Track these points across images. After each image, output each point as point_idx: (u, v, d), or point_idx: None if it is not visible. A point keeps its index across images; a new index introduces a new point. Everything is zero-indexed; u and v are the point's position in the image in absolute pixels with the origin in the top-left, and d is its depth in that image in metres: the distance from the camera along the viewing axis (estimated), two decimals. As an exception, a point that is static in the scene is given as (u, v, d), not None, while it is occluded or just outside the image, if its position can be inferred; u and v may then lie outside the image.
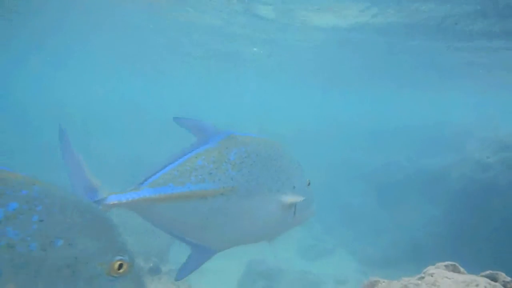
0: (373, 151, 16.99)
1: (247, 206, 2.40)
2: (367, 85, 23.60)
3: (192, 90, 37.29)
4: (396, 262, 10.56)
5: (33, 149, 16.11)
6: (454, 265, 2.50)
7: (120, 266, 1.58)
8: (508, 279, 2.32)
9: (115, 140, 17.85)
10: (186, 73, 24.43)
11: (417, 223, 11.52)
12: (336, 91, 29.35)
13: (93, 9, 12.01)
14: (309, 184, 2.76)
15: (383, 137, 19.27)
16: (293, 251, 11.27)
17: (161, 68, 23.65)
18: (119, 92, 39.49)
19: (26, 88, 36.90)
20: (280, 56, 16.42)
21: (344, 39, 12.12)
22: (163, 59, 20.47)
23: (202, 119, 2.50)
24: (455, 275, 2.33)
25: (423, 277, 2.34)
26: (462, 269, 2.52)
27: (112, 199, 2.08)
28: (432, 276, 2.29)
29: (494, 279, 2.37)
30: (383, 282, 2.62)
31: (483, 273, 2.45)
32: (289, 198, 2.56)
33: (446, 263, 2.49)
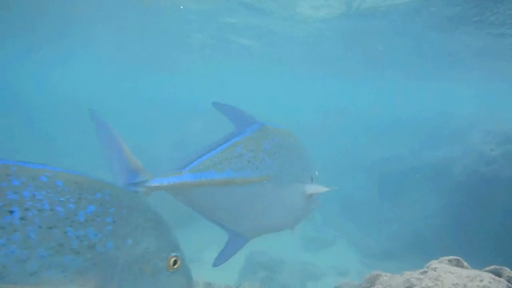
0: (376, 143, 16.93)
1: (280, 194, 2.50)
2: (370, 76, 23.43)
3: (188, 81, 37.27)
4: (398, 254, 10.56)
5: (41, 142, 16.24)
6: (458, 259, 2.45)
7: (175, 262, 1.72)
8: (513, 274, 2.27)
9: (118, 130, 17.92)
10: (184, 64, 24.35)
11: (419, 215, 11.48)
12: (339, 83, 29.19)
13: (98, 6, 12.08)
14: (317, 175, 2.86)
15: (386, 129, 19.20)
16: (294, 242, 11.27)
17: (163, 59, 23.59)
18: (123, 84, 39.54)
19: (33, 83, 36.93)
20: (277, 46, 16.28)
21: (346, 26, 11.98)
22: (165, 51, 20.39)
23: (241, 108, 2.57)
24: (459, 269, 2.29)
25: (426, 272, 2.29)
26: (465, 264, 2.48)
27: (155, 182, 2.11)
28: (435, 270, 2.25)
29: (498, 274, 2.32)
30: (385, 276, 2.58)
31: (487, 268, 2.41)
32: (312, 188, 2.69)
33: (450, 257, 2.45)
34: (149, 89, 39.32)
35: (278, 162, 2.48)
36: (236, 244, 2.53)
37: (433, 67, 18.26)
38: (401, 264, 8.97)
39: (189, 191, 2.25)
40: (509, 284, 2.15)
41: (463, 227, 9.85)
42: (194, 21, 13.49)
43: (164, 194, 2.21)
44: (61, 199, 1.44)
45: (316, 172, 2.84)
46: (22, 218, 1.34)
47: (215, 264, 2.50)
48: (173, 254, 1.72)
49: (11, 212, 1.33)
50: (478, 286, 2.06)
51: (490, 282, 2.10)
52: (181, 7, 11.72)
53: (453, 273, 2.20)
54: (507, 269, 2.33)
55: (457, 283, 2.09)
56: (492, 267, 2.38)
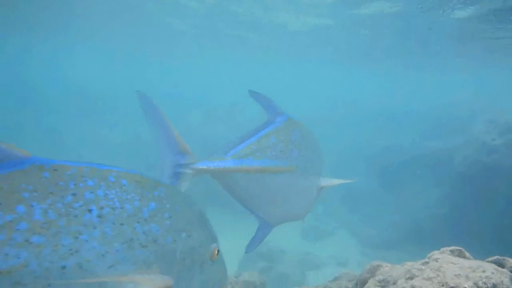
0: (377, 133, 16.87)
1: (302, 185, 2.66)
2: (372, 67, 23.24)
3: (190, 72, 37.08)
4: (398, 244, 10.55)
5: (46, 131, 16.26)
6: (460, 250, 2.41)
7: (217, 252, 1.85)
8: (516, 265, 2.22)
9: (119, 120, 18.03)
10: (185, 55, 24.20)
11: (420, 205, 11.45)
12: (342, 73, 29.01)
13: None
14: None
15: (388, 119, 19.13)
16: (294, 232, 11.27)
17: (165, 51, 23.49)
18: (124, 76, 39.43)
19: (44, 71, 36.83)
20: (279, 36, 16.10)
21: (353, 18, 11.79)
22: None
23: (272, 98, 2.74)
24: (461, 260, 2.24)
25: (427, 262, 2.24)
26: (467, 254, 2.43)
27: (202, 165, 2.24)
28: (436, 261, 2.20)
29: (501, 264, 2.28)
30: (386, 266, 2.54)
31: (490, 259, 2.36)
32: (327, 181, 2.86)
33: (452, 248, 2.40)
34: (151, 81, 39.21)
35: (302, 154, 2.62)
36: (265, 231, 2.66)
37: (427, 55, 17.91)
38: (401, 254, 8.97)
39: (230, 176, 2.39)
40: (512, 275, 2.10)
41: (464, 217, 9.82)
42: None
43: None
44: (128, 197, 1.56)
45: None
46: (99, 216, 1.45)
47: (247, 251, 2.66)
48: (215, 244, 1.85)
49: (90, 210, 1.44)
50: (480, 277, 2.02)
51: (493, 273, 2.05)
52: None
53: (455, 264, 2.15)
54: (510, 259, 2.29)
55: (459, 274, 2.05)
56: (494, 257, 2.33)
